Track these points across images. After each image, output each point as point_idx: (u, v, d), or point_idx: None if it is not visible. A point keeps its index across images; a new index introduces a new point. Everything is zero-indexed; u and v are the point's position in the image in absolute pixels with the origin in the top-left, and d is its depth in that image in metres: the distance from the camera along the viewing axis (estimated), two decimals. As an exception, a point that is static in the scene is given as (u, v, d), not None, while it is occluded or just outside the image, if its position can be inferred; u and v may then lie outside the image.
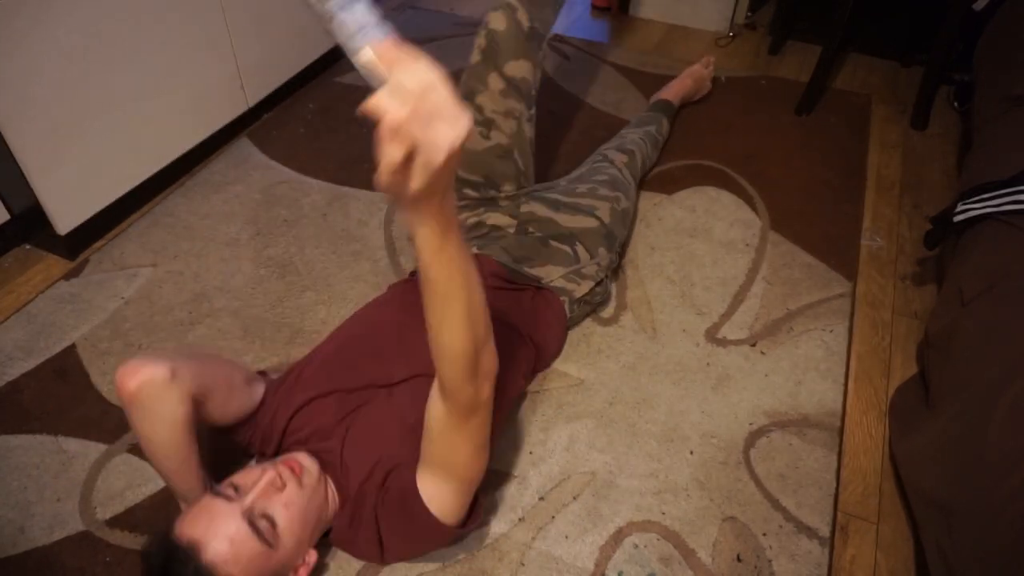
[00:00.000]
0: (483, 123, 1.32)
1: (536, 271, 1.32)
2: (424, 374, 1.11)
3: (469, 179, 1.38)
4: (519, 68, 1.29)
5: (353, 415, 1.06)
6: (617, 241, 1.46)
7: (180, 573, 0.82)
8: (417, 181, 0.60)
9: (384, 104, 0.56)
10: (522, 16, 1.27)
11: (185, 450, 0.97)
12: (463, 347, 0.77)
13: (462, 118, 0.59)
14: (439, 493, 0.95)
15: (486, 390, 0.85)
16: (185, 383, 0.94)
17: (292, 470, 0.94)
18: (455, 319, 0.75)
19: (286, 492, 0.91)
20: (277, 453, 1.08)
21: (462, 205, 1.42)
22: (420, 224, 0.66)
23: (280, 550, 0.89)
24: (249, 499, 0.88)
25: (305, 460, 0.97)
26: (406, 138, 0.57)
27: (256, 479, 0.91)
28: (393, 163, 0.57)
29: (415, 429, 1.02)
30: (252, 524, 0.86)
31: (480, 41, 1.28)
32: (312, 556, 0.97)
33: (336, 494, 1.03)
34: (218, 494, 0.89)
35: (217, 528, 0.85)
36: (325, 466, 1.03)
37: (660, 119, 1.86)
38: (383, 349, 1.14)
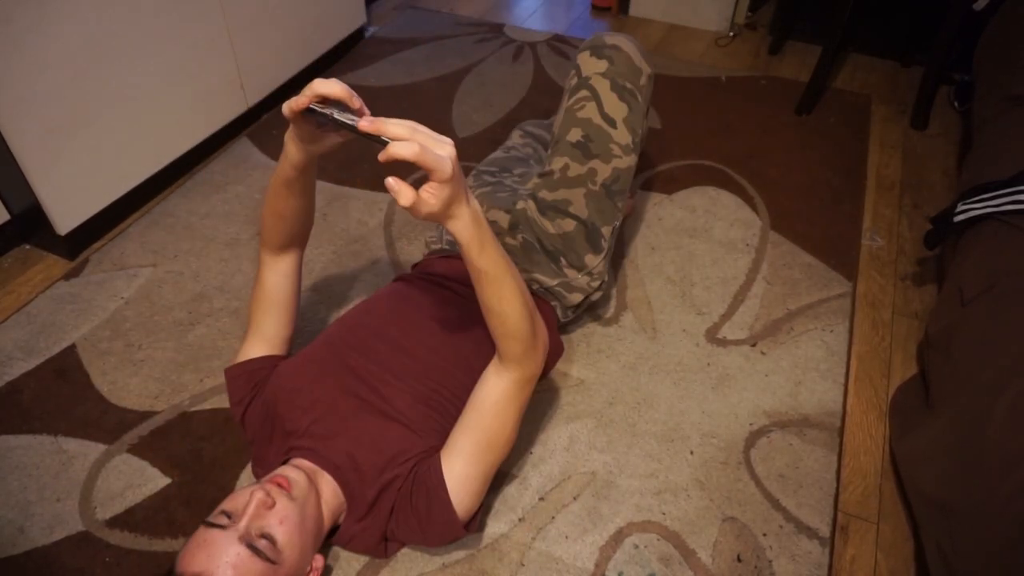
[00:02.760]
0: (505, 148, 1.59)
1: (526, 276, 1.30)
2: (427, 369, 1.11)
3: (488, 170, 1.52)
4: (535, 128, 1.66)
5: (359, 409, 1.05)
6: (604, 231, 1.29)
7: None
8: (440, 194, 0.77)
9: (398, 150, 0.73)
10: (539, 121, 1.71)
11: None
12: (522, 317, 0.93)
13: (447, 140, 0.77)
14: (465, 481, 0.99)
15: (542, 356, 0.99)
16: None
17: (280, 486, 0.94)
18: (510, 294, 0.91)
19: (278, 507, 0.91)
20: (271, 437, 1.08)
21: (475, 184, 1.47)
22: (457, 219, 0.82)
23: (285, 565, 0.90)
24: (243, 523, 0.88)
25: (291, 472, 0.97)
26: (424, 164, 0.74)
27: (246, 502, 0.91)
28: (410, 197, 0.76)
29: (425, 422, 1.05)
30: (251, 546, 0.87)
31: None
32: (319, 561, 0.97)
33: (341, 493, 1.03)
34: (211, 525, 0.89)
35: (218, 558, 0.85)
36: (327, 465, 1.02)
37: None
38: (387, 342, 1.13)
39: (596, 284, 1.32)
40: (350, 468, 1.02)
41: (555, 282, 1.30)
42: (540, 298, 1.30)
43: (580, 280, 1.30)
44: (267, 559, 0.87)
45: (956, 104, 2.12)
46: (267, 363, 1.15)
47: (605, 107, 1.24)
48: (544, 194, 1.30)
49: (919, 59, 2.29)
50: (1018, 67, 1.52)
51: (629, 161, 1.27)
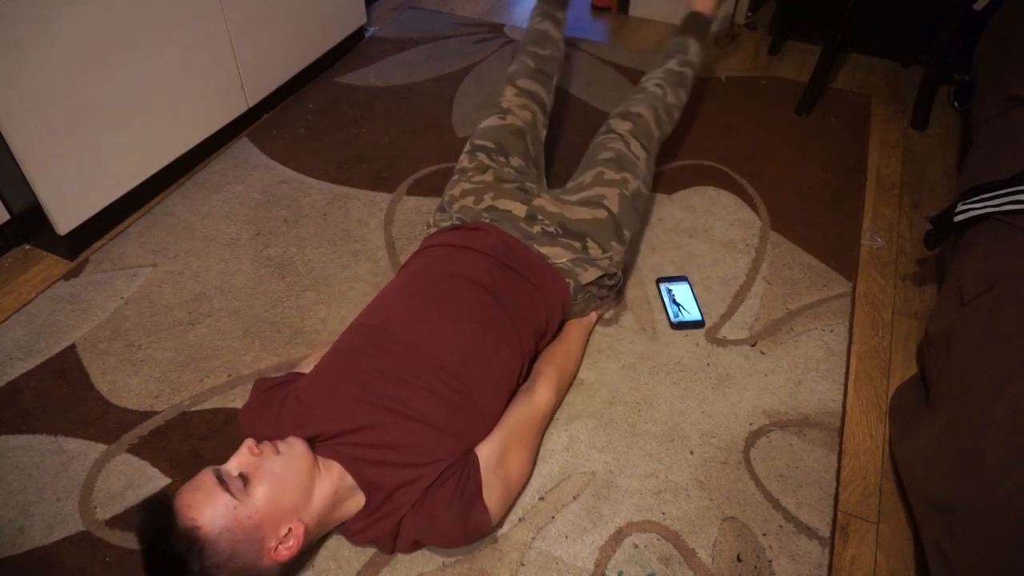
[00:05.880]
0: (501, 111, 1.57)
1: (544, 250, 1.31)
2: (441, 365, 1.11)
3: (483, 144, 1.50)
4: (529, 84, 1.63)
5: (379, 413, 1.06)
6: (627, 233, 1.40)
7: (149, 520, 0.90)
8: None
9: None
10: (528, 60, 1.68)
11: None
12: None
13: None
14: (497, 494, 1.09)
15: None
16: None
17: (269, 440, 1.01)
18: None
19: (262, 457, 0.98)
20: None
21: (473, 166, 1.46)
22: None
23: (250, 507, 0.93)
24: (229, 463, 0.97)
25: (289, 439, 1.03)
26: None
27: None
28: None
29: (450, 420, 1.08)
30: (219, 478, 0.93)
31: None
32: (300, 528, 0.96)
33: (359, 489, 1.04)
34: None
35: (190, 483, 0.94)
36: (345, 460, 1.03)
37: (685, 44, 1.69)
38: (398, 342, 1.13)
39: (614, 271, 1.36)
40: (368, 463, 1.03)
41: (572, 256, 1.32)
42: (557, 273, 1.30)
43: (602, 260, 1.34)
44: (228, 491, 0.92)
45: (956, 104, 2.12)
46: (288, 379, 1.17)
47: (631, 148, 1.50)
48: (575, 195, 1.41)
49: (919, 59, 2.29)
50: (1018, 67, 1.52)
51: (645, 188, 1.48)
